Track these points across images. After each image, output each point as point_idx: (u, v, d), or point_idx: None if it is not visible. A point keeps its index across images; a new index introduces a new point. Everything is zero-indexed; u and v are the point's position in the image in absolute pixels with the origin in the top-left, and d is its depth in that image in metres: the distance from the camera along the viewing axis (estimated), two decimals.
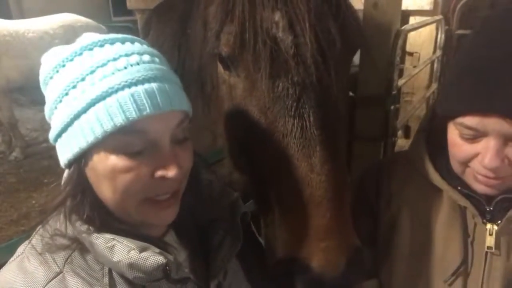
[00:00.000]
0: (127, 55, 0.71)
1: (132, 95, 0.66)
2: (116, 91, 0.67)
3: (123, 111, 0.66)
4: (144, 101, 0.67)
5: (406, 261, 1.15)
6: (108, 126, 0.66)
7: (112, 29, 6.19)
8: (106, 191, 0.72)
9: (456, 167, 1.03)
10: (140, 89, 0.67)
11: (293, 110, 0.94)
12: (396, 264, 1.17)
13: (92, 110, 0.67)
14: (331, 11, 1.00)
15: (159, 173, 0.70)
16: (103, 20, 7.46)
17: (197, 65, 1.31)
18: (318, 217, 0.89)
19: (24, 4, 8.35)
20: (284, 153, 0.95)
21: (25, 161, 5.40)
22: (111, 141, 0.68)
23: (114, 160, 0.69)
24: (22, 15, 7.83)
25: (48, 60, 0.74)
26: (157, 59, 0.75)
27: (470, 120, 0.91)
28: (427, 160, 1.11)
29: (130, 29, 7.00)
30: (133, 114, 0.66)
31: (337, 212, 0.90)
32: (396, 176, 1.22)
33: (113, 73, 0.68)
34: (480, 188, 0.99)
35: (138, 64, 0.70)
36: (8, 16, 6.73)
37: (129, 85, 0.67)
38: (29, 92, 5.77)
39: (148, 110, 0.67)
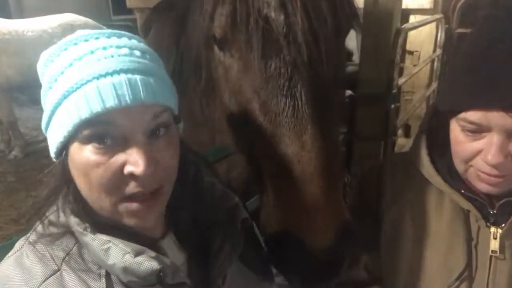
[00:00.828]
0: (104, 48, 0.69)
1: (98, 87, 0.65)
2: (86, 83, 0.66)
3: (88, 104, 0.65)
4: (110, 93, 0.65)
5: (408, 265, 1.12)
6: (75, 119, 0.65)
7: (112, 27, 6.17)
8: (83, 186, 0.71)
9: (459, 166, 1.01)
10: (108, 81, 0.66)
11: (285, 89, 0.96)
12: (399, 268, 1.14)
13: (65, 102, 0.67)
14: None
15: (127, 169, 0.68)
16: (103, 19, 7.45)
17: (194, 54, 1.32)
18: (308, 193, 0.91)
19: (24, 4, 8.33)
20: (277, 131, 0.97)
21: (25, 160, 5.39)
22: (83, 134, 0.67)
23: (87, 154, 0.68)
24: (22, 14, 7.82)
25: (41, 59, 0.75)
26: (137, 52, 0.72)
27: (473, 115, 0.90)
28: (428, 162, 1.09)
29: (130, 28, 6.99)
30: (97, 107, 0.64)
31: (327, 188, 0.92)
32: (398, 178, 1.20)
33: (87, 66, 0.67)
34: (483, 187, 0.98)
35: (112, 56, 0.68)
36: (7, 15, 6.72)
37: (98, 77, 0.66)
38: (28, 91, 5.76)
39: (112, 103, 0.64)
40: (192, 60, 1.34)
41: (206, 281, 0.83)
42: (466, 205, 1.03)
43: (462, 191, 1.04)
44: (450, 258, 1.06)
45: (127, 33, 0.76)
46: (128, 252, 0.69)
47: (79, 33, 0.73)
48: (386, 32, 2.21)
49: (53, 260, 0.71)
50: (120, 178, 0.68)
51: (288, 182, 0.94)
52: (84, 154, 0.68)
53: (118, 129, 0.67)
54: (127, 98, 0.65)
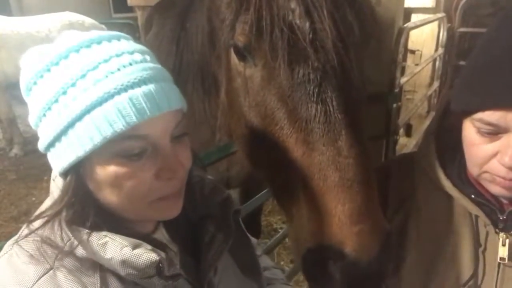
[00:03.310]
0: (117, 55, 0.68)
1: (131, 99, 0.64)
2: (113, 95, 0.64)
3: (123, 116, 0.63)
4: (144, 104, 0.65)
5: (415, 270, 1.09)
6: (108, 133, 0.63)
7: (112, 25, 6.18)
8: (110, 197, 0.70)
9: (473, 169, 0.97)
10: (138, 92, 0.65)
11: (315, 95, 0.94)
12: (405, 274, 1.11)
13: (87, 117, 0.64)
14: None
15: (165, 175, 0.70)
16: (103, 17, 7.45)
17: (197, 59, 1.30)
18: (349, 201, 0.88)
19: (24, 3, 8.33)
20: (308, 139, 0.94)
21: (25, 158, 5.39)
22: (110, 147, 0.65)
23: (116, 167, 0.67)
24: (22, 12, 7.81)
25: (30, 64, 0.69)
26: (148, 57, 0.72)
27: (490, 116, 0.85)
28: (438, 166, 1.06)
29: (131, 26, 6.98)
30: (133, 119, 0.64)
31: (367, 194, 0.89)
32: (405, 181, 1.16)
33: (106, 77, 0.65)
34: (497, 190, 0.94)
35: (131, 64, 0.67)
36: (8, 13, 6.72)
37: (126, 88, 0.65)
38: None
39: (148, 113, 0.65)
40: (194, 64, 1.32)
41: (198, 273, 0.84)
42: (475, 210, 1.00)
43: (472, 196, 1.01)
44: (457, 264, 1.02)
45: (121, 34, 0.74)
46: (126, 246, 0.70)
47: (74, 38, 0.69)
48: (388, 31, 2.20)
49: (45, 258, 0.70)
50: (153, 183, 0.70)
51: (325, 191, 0.90)
52: (113, 167, 0.67)
53: (148, 138, 0.68)
54: (160, 106, 0.66)
